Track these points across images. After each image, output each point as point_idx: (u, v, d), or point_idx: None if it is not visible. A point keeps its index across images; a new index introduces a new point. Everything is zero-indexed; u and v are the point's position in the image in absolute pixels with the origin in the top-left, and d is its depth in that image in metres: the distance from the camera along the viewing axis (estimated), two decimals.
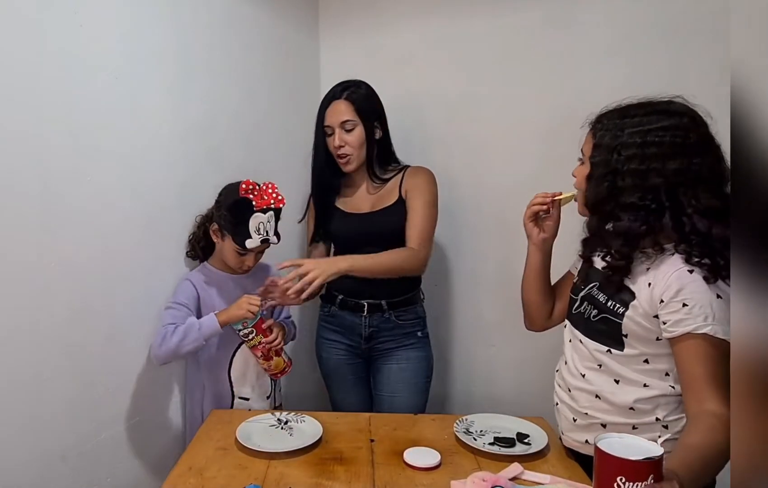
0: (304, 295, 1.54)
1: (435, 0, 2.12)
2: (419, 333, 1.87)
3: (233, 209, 1.52)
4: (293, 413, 1.47)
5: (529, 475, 1.20)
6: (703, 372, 1.07)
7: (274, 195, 1.55)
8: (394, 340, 1.83)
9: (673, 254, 1.13)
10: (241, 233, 1.51)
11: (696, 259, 1.09)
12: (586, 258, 1.31)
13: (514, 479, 1.18)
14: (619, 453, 0.86)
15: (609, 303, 1.20)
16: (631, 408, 1.17)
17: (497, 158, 2.08)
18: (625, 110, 1.19)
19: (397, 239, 1.73)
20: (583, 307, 1.27)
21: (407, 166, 1.85)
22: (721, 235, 1.07)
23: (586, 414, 1.23)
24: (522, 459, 1.25)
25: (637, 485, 0.84)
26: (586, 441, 1.24)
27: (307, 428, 1.40)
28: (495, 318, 2.14)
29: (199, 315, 1.54)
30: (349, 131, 1.74)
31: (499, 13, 2.02)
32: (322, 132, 1.78)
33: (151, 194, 1.53)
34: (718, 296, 1.07)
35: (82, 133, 1.32)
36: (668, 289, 1.10)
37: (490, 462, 1.26)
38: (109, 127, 1.39)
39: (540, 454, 1.29)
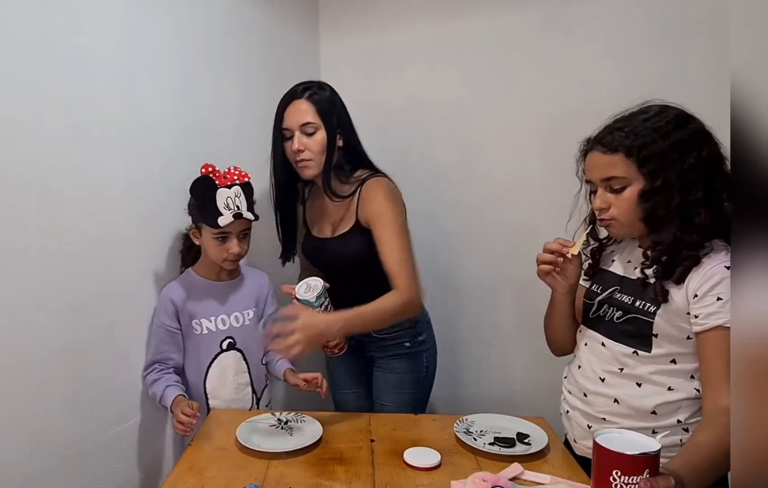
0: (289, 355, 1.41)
1: (435, 1, 2.12)
2: (407, 344, 1.74)
3: (196, 190, 1.50)
4: (293, 413, 1.47)
5: (529, 475, 1.20)
6: (724, 366, 1.06)
7: (236, 172, 1.53)
8: (379, 350, 1.75)
9: (709, 252, 1.12)
10: (211, 213, 1.47)
11: None
12: (597, 263, 1.31)
13: (514, 479, 1.18)
14: (616, 448, 0.87)
15: (638, 303, 1.18)
16: (653, 412, 1.16)
17: (497, 158, 2.08)
18: (635, 117, 1.17)
19: (359, 266, 1.60)
20: (602, 311, 1.25)
21: (364, 179, 1.61)
22: None
23: (603, 419, 1.21)
24: (522, 459, 1.25)
25: (632, 479, 0.85)
26: None
27: (307, 428, 1.40)
28: (495, 319, 2.14)
29: (180, 325, 1.53)
30: (310, 135, 1.54)
31: (499, 13, 2.02)
32: (280, 136, 1.58)
33: (150, 193, 1.53)
34: None
35: (81, 132, 1.33)
36: (705, 284, 1.09)
37: (490, 462, 1.26)
38: (108, 126, 1.40)
39: (540, 454, 1.29)
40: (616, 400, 1.20)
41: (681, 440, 1.14)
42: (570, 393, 1.31)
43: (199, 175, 1.51)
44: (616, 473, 0.86)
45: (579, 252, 1.27)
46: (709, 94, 1.70)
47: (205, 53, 1.72)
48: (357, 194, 1.60)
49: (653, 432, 1.15)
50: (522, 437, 1.34)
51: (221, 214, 1.47)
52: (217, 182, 1.49)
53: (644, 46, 1.82)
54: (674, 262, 1.13)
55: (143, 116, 1.50)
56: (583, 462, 1.26)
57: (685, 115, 1.15)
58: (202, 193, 1.49)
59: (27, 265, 1.22)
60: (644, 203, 1.14)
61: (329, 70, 2.28)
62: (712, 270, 1.10)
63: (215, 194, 1.48)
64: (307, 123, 1.54)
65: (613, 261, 1.30)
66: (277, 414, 1.47)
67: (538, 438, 1.34)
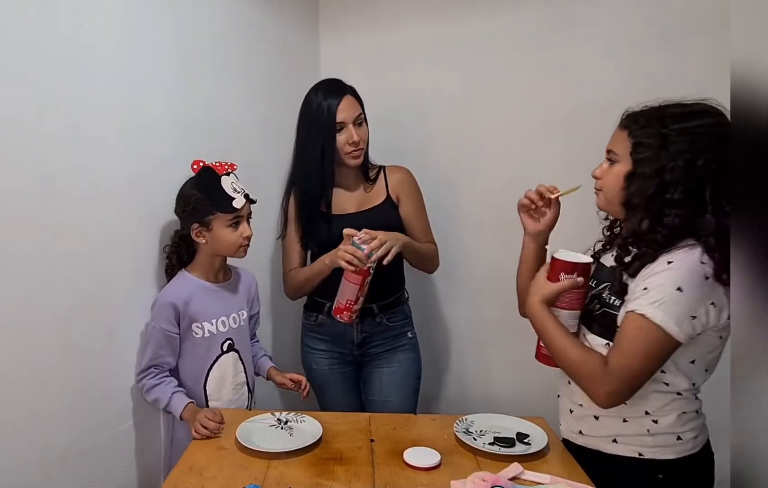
0: (385, 260, 1.60)
1: (435, 0, 2.12)
2: (409, 334, 1.87)
3: (203, 182, 1.50)
4: (293, 413, 1.47)
5: (529, 475, 1.20)
6: (621, 340, 1.14)
7: (224, 163, 1.53)
8: (385, 343, 1.82)
9: (671, 250, 1.13)
10: (224, 200, 1.48)
11: (717, 255, 1.09)
12: (611, 239, 1.33)
13: (514, 479, 1.18)
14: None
15: (606, 295, 1.24)
16: (624, 403, 1.18)
17: (496, 157, 2.08)
18: (662, 109, 1.18)
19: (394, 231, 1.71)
20: (591, 305, 1.28)
21: (383, 166, 1.86)
22: None
23: (581, 406, 1.27)
24: (522, 459, 1.25)
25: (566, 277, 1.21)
26: (580, 432, 1.28)
27: (307, 428, 1.40)
28: (493, 318, 2.14)
29: (179, 329, 1.50)
30: (359, 126, 1.74)
31: (499, 13, 2.02)
32: (333, 129, 1.71)
33: (151, 193, 1.53)
34: (679, 288, 1.09)
35: (82, 132, 1.32)
36: (645, 278, 1.14)
37: (489, 462, 1.26)
38: (109, 126, 1.40)
39: (540, 454, 1.29)
40: None
41: (648, 430, 1.19)
42: (561, 377, 1.34)
43: (192, 173, 1.52)
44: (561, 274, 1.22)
45: (558, 204, 1.36)
46: (709, 94, 1.70)
47: (205, 53, 1.72)
48: (382, 176, 1.84)
49: (624, 420, 1.21)
50: (522, 437, 1.35)
51: (233, 198, 1.49)
52: (214, 170, 1.50)
53: (644, 45, 1.82)
54: (634, 254, 1.18)
55: (143, 116, 1.50)
56: (567, 445, 1.34)
57: (716, 124, 1.13)
58: (208, 183, 1.49)
59: (27, 265, 1.22)
60: (626, 186, 1.18)
61: (329, 70, 2.27)
62: (656, 265, 1.13)
63: (220, 182, 1.49)
64: (359, 115, 1.74)
65: (611, 256, 1.32)
66: (277, 414, 1.47)
67: (538, 438, 1.34)
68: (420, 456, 1.26)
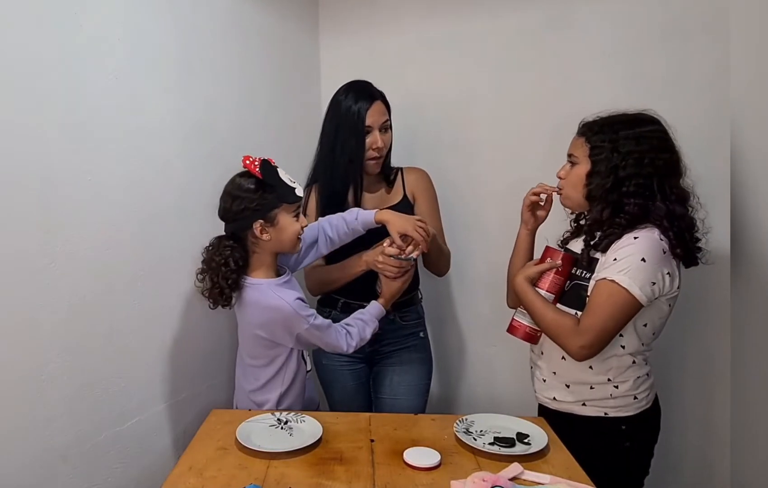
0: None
1: (435, 0, 2.12)
2: (421, 334, 1.90)
3: (269, 175, 1.46)
4: (293, 413, 1.47)
5: (529, 475, 1.20)
6: (595, 303, 1.34)
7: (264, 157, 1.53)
8: (397, 342, 1.84)
9: (635, 229, 1.33)
10: (288, 190, 1.47)
11: (671, 234, 1.31)
12: (578, 229, 1.54)
13: (514, 479, 1.18)
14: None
15: (578, 271, 1.44)
16: (590, 367, 1.40)
17: (497, 158, 2.08)
18: (612, 118, 1.39)
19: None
20: (566, 285, 1.47)
21: (400, 167, 1.89)
22: (689, 219, 1.35)
23: (554, 373, 1.48)
24: (522, 459, 1.25)
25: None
26: (554, 398, 1.48)
27: (307, 428, 1.40)
28: (496, 319, 2.13)
29: None
30: (385, 131, 1.77)
31: (499, 13, 2.02)
32: (363, 133, 1.73)
33: (151, 193, 1.53)
34: (643, 259, 1.30)
35: (82, 133, 1.33)
36: (613, 252, 1.34)
37: (490, 462, 1.26)
38: (109, 126, 1.40)
39: (540, 454, 1.29)
40: (563, 358, 1.43)
41: (611, 394, 1.40)
42: (533, 352, 1.57)
43: (243, 168, 1.48)
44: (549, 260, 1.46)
45: (551, 202, 1.56)
46: (709, 95, 1.70)
47: (205, 53, 1.72)
48: (400, 176, 1.88)
49: (591, 387, 1.41)
50: (522, 437, 1.35)
51: (294, 187, 1.49)
52: (269, 162, 1.49)
53: (645, 46, 1.82)
54: (602, 235, 1.38)
55: (143, 116, 1.50)
56: (543, 411, 1.53)
57: (657, 129, 1.36)
58: (270, 177, 1.47)
59: (28, 265, 1.22)
60: (588, 183, 1.40)
61: (329, 70, 2.28)
62: (623, 240, 1.33)
63: (278, 174, 1.48)
64: (386, 121, 1.77)
65: (576, 242, 1.51)
66: (277, 414, 1.47)
67: (538, 438, 1.34)
68: (420, 456, 1.26)
